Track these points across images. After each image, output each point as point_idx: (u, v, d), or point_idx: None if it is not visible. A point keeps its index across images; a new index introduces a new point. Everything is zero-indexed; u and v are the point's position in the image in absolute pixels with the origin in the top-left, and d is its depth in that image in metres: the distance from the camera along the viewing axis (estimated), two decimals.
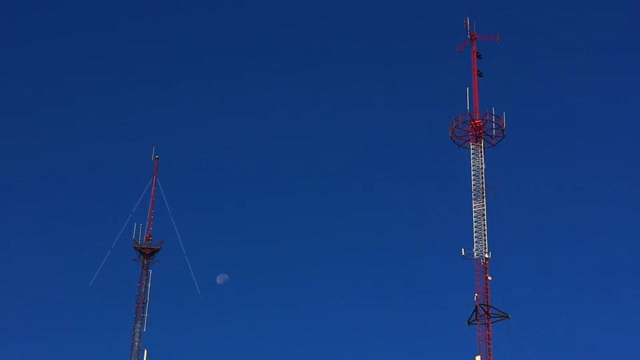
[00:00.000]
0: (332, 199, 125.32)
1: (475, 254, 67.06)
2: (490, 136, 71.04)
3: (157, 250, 74.22)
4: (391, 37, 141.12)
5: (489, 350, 65.08)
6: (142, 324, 71.86)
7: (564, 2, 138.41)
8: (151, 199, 75.54)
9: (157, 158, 77.66)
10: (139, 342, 71.23)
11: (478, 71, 73.04)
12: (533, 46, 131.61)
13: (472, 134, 70.97)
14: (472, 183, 69.41)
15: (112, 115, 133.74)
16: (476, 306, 65.84)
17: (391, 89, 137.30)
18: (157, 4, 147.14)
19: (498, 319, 65.91)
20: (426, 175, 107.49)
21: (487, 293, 66.19)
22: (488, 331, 65.53)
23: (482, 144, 70.46)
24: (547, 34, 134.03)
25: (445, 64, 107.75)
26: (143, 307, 72.19)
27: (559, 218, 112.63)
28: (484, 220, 68.00)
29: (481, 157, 69.94)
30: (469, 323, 66.12)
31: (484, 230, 67.75)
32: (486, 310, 65.72)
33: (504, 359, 65.31)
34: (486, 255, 66.87)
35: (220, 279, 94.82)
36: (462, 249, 67.28)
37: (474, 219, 68.12)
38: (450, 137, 71.50)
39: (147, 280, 73.09)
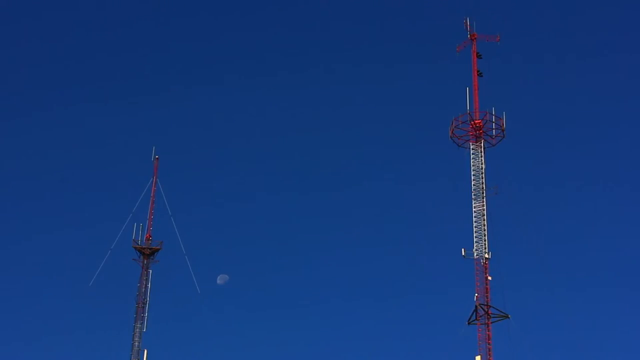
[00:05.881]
0: (332, 199, 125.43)
1: (475, 254, 67.03)
2: (490, 136, 71.03)
3: (157, 250, 74.18)
4: (391, 37, 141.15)
5: (489, 350, 65.06)
6: (142, 324, 71.82)
7: (564, 2, 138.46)
8: (151, 199, 75.52)
9: (157, 158, 77.69)
10: (139, 342, 71.20)
11: (478, 71, 73.02)
12: (533, 46, 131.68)
13: (472, 134, 70.95)
14: (472, 183, 69.39)
15: (113, 115, 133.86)
16: (476, 306, 65.81)
17: (391, 89, 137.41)
18: (157, 6, 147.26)
19: (498, 319, 65.89)
20: (426, 175, 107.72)
21: (487, 293, 66.17)
22: (488, 331, 65.50)
23: (482, 144, 70.45)
24: (547, 34, 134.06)
25: (445, 64, 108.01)
26: (143, 307, 72.16)
27: (559, 218, 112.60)
28: (484, 220, 67.97)
29: (481, 157, 69.93)
30: (469, 323, 66.09)
31: (484, 230, 67.72)
32: (486, 310, 65.69)
33: (504, 359, 65.42)
34: (486, 255, 66.84)
35: (221, 279, 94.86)
36: (462, 249, 67.27)
37: (474, 219, 68.09)
38: (450, 137, 71.51)
39: (147, 280, 73.04)
